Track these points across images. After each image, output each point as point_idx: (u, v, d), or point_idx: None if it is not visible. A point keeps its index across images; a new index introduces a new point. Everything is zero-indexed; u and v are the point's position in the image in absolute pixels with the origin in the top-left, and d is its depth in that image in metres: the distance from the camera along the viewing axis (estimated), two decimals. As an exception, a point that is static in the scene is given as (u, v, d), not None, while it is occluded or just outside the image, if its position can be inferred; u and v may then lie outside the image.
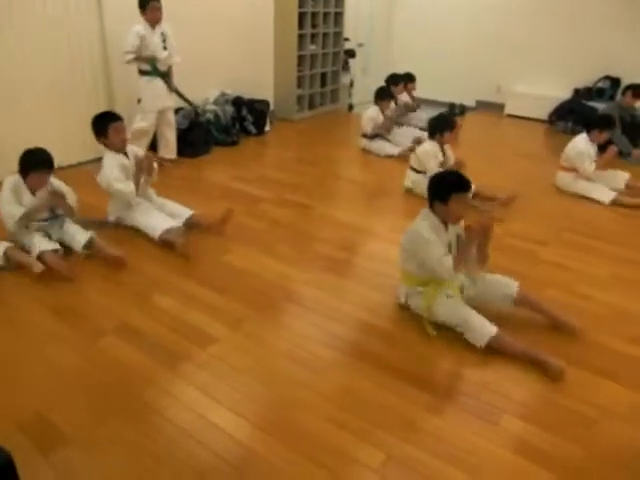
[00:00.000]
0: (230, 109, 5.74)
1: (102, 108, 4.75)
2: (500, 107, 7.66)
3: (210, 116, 5.49)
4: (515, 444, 1.95)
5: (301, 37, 6.45)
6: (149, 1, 4.20)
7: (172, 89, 4.58)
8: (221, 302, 2.75)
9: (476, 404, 2.14)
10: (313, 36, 6.73)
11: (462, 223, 2.60)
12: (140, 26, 4.24)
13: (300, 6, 6.22)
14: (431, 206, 2.55)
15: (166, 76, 4.50)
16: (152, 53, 4.33)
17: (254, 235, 3.52)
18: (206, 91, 5.68)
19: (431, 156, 4.23)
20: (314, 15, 6.59)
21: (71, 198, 3.17)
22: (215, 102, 5.71)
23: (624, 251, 3.54)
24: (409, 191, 4.39)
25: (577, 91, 7.09)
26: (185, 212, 3.49)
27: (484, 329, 2.39)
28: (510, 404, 2.14)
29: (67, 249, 3.12)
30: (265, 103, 6.16)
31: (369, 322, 2.65)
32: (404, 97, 6.29)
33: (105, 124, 3.26)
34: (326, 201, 4.26)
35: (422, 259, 2.53)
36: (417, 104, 6.53)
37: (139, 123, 4.54)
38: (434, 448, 1.91)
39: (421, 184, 4.24)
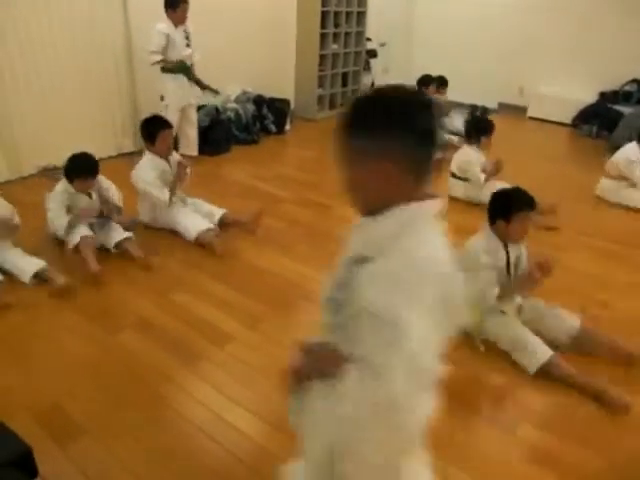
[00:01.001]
0: (251, 107, 5.75)
1: (125, 105, 4.83)
2: (523, 110, 7.56)
3: (231, 114, 5.51)
4: (531, 453, 1.92)
5: (323, 36, 6.43)
6: (180, 2, 4.20)
7: (194, 80, 4.57)
8: (239, 300, 2.76)
9: (491, 411, 2.12)
10: (335, 35, 6.70)
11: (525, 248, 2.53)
12: (163, 24, 4.24)
13: (323, 5, 6.20)
14: (492, 224, 2.45)
15: (189, 71, 4.52)
16: (177, 51, 4.35)
17: (273, 234, 3.52)
18: (227, 89, 5.70)
19: (474, 164, 4.10)
20: (337, 14, 6.57)
21: (116, 196, 3.23)
22: (236, 100, 5.73)
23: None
24: (452, 198, 4.24)
25: (603, 94, 6.95)
26: (218, 211, 3.51)
27: (537, 352, 2.26)
28: (526, 412, 2.11)
29: (102, 249, 3.14)
30: (286, 102, 6.16)
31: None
32: None
33: (154, 130, 3.29)
34: (346, 201, 4.23)
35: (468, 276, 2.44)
36: (447, 109, 6.25)
37: None
38: (447, 455, 1.88)
39: (464, 190, 4.18)
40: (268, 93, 6.03)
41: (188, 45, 4.41)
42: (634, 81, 6.78)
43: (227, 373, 2.23)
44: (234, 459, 1.83)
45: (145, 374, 2.21)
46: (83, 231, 3.00)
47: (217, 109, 5.40)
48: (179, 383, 2.17)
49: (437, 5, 8.08)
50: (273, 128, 5.99)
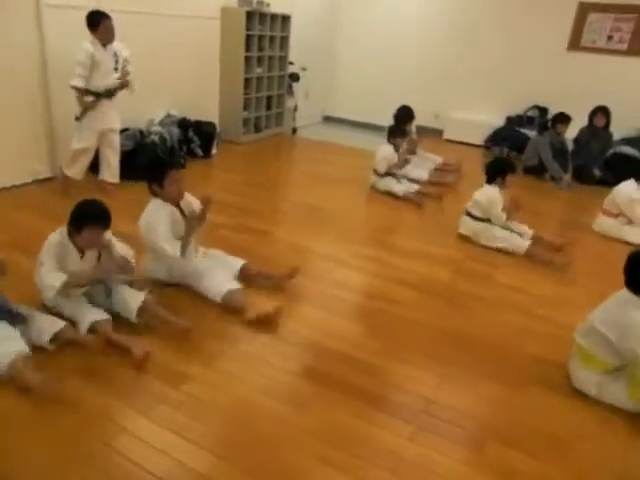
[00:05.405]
0: (176, 131, 5.57)
1: (39, 127, 4.50)
2: (439, 132, 7.98)
3: (155, 138, 5.30)
4: (499, 470, 1.97)
5: (248, 59, 6.41)
6: (101, 19, 3.95)
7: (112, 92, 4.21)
8: (191, 337, 2.60)
9: (458, 431, 2.15)
10: (259, 59, 6.73)
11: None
12: (89, 43, 3.97)
13: (247, 29, 6.21)
14: (635, 290, 2.33)
15: (112, 94, 4.26)
16: (103, 75, 4.09)
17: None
18: (151, 112, 5.50)
19: (497, 204, 4.03)
20: (261, 38, 6.59)
21: (128, 254, 2.76)
22: (160, 123, 5.53)
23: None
24: (464, 237, 4.19)
25: (509, 119, 7.52)
26: (237, 263, 3.14)
27: None
28: (492, 430, 2.17)
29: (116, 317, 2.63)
30: (212, 125, 6.05)
31: (343, 351, 2.61)
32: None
33: (162, 172, 2.86)
34: (282, 225, 4.22)
35: (630, 350, 2.28)
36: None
37: (77, 144, 4.24)
38: (422, 479, 1.89)
39: (484, 233, 4.08)
40: (193, 116, 5.89)
41: (116, 69, 4.15)
42: (535, 107, 7.41)
43: (186, 415, 2.09)
44: (206, 510, 1.71)
45: (94, 424, 2.02)
46: (93, 315, 2.52)
47: (141, 132, 5.18)
48: (133, 431, 2.00)
49: (357, 31, 8.36)
50: (200, 152, 5.85)
